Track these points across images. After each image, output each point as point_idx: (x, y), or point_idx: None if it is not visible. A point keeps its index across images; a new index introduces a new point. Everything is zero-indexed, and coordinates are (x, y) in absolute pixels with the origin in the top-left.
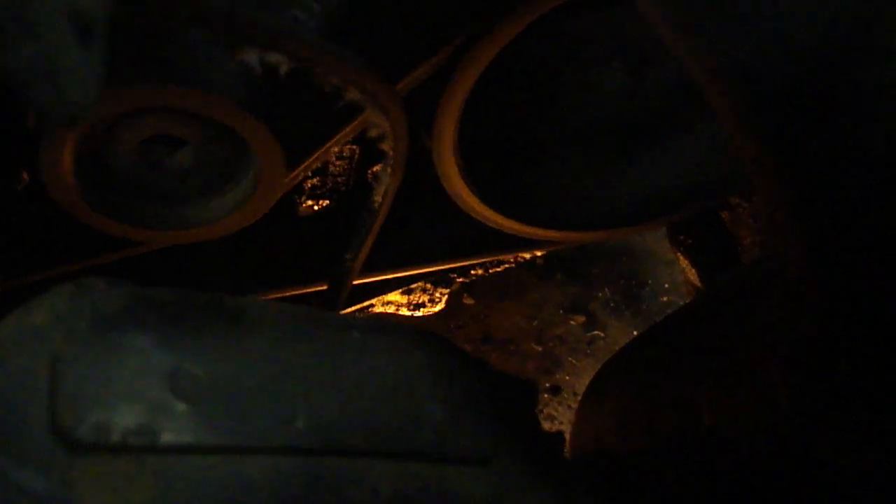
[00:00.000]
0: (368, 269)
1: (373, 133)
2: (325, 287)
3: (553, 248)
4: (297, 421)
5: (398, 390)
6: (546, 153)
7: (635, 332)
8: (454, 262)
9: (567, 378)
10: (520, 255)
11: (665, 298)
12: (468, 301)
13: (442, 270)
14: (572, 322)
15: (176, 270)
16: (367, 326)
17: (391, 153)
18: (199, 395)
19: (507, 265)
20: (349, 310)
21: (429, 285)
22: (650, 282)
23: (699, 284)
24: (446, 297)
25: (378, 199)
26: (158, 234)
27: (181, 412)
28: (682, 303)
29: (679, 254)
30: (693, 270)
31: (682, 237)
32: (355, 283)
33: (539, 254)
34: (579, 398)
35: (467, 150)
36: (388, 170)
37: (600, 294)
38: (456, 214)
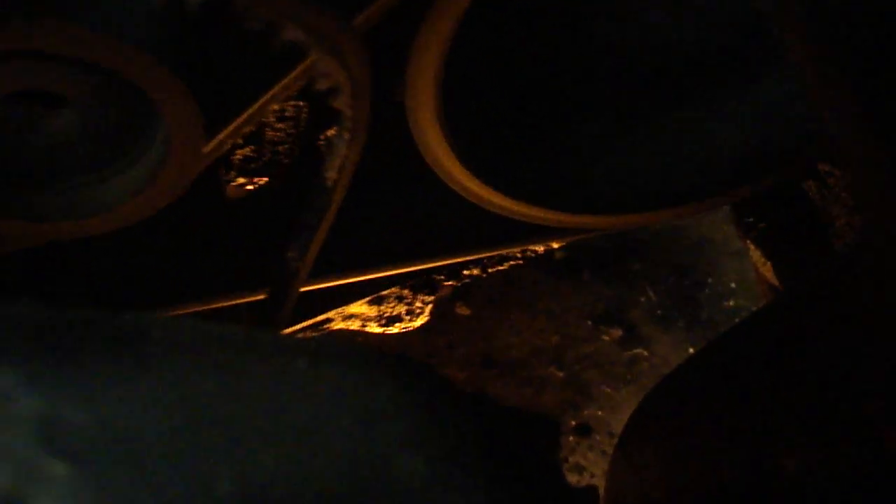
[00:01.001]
0: (322, 271)
1: (322, 85)
2: (262, 297)
3: (575, 239)
4: (218, 483)
5: (361, 438)
6: (559, 112)
7: (691, 350)
8: (441, 260)
9: (599, 414)
10: (530, 247)
11: (730, 303)
12: (462, 311)
13: (424, 271)
14: (605, 337)
15: (56, 278)
16: (319, 351)
17: (348, 112)
18: (84, 450)
19: (513, 262)
20: (296, 328)
21: (406, 292)
22: (710, 281)
23: (777, 283)
24: (431, 306)
25: (333, 174)
26: (29, 227)
27: (59, 475)
28: (753, 308)
29: (749, 242)
30: (768, 264)
31: (751, 220)
32: (304, 289)
33: (556, 246)
34: (616, 441)
35: (454, 108)
36: (346, 135)
37: (643, 298)
38: (440, 194)
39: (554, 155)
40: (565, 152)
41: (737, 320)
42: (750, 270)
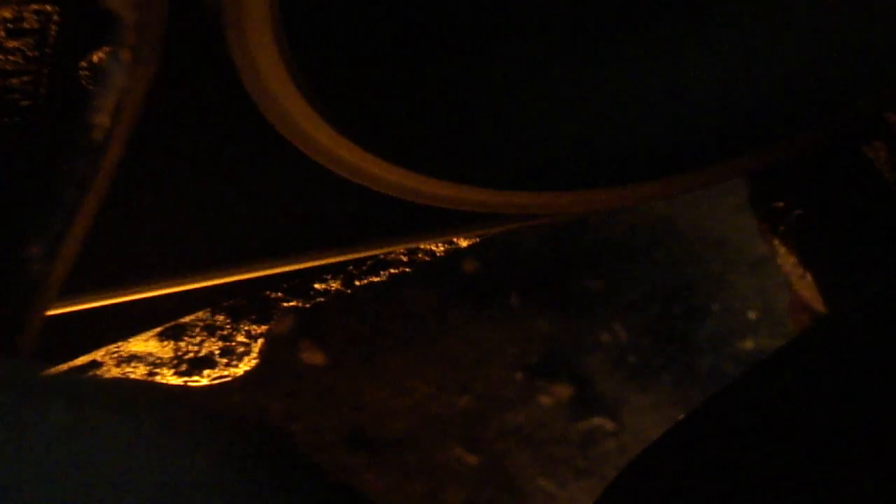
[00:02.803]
0: (85, 284)
1: None
2: None
3: (493, 233)
4: None
5: None
6: (467, 37)
7: (681, 416)
8: (279, 265)
9: None
10: (423, 245)
11: (748, 343)
12: (311, 356)
13: (252, 284)
14: (545, 399)
15: None
16: (87, 394)
17: (129, 17)
18: None
19: (394, 271)
20: (52, 370)
21: (222, 318)
22: (715, 308)
23: (822, 308)
24: (262, 343)
25: (103, 120)
26: None
27: None
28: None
29: (777, 242)
30: (807, 277)
31: (780, 205)
32: (53, 312)
33: (465, 244)
34: None
35: (303, 25)
36: (125, 56)
37: (606, 337)
38: (280, 159)
39: (458, 100)
40: (475, 95)
41: (756, 367)
42: (779, 289)
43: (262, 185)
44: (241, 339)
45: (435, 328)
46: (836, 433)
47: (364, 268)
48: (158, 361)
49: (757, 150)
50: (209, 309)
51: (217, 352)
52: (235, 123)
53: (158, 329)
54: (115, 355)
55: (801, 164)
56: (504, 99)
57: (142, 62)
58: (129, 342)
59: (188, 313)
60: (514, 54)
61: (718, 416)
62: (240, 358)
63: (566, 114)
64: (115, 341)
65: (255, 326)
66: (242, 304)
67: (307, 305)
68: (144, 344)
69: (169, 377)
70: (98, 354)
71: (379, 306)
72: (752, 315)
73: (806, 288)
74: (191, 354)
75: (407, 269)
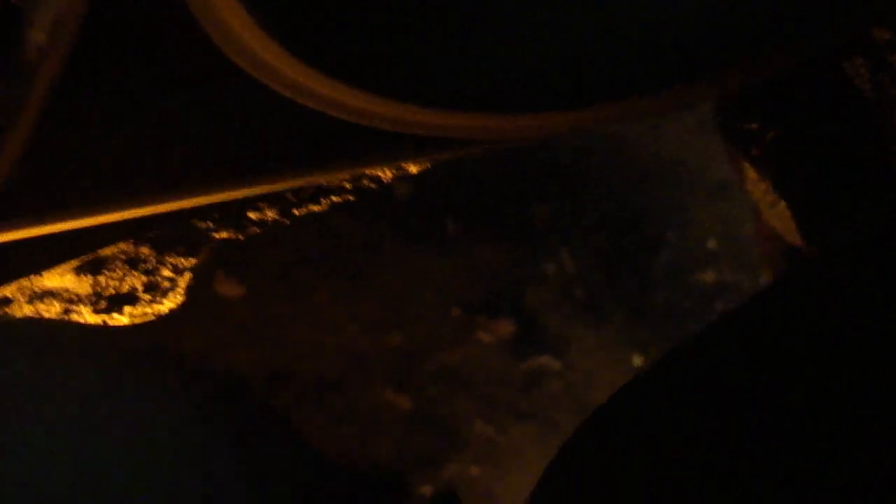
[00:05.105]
0: (4, 213)
1: None
2: None
3: (437, 159)
4: None
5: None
6: None
7: (636, 361)
8: (212, 193)
9: (474, 473)
10: (362, 170)
11: (707, 275)
12: (232, 289)
13: (179, 213)
14: (485, 336)
15: None
16: (41, 343)
17: None
18: None
19: (328, 201)
20: None
21: (146, 251)
22: (672, 237)
23: (796, 240)
24: (189, 277)
25: (39, 37)
26: None
27: None
28: (751, 286)
29: (746, 167)
30: (780, 206)
31: (751, 127)
32: None
33: (415, 171)
34: None
35: None
36: None
37: (552, 268)
38: (217, 76)
39: (410, 12)
40: (428, 9)
41: (719, 307)
42: (745, 218)
43: (196, 106)
44: (166, 273)
45: (367, 260)
46: (827, 386)
47: (304, 195)
48: (75, 298)
49: (723, 70)
50: (132, 241)
51: (140, 287)
52: (171, 36)
53: (76, 262)
54: (28, 291)
55: (774, 81)
56: (455, 14)
57: None
58: (43, 276)
59: (108, 245)
60: None
61: (693, 364)
62: (165, 294)
63: (523, 31)
64: (27, 275)
65: (182, 260)
66: (169, 236)
67: (240, 237)
68: (60, 279)
69: (87, 315)
70: (8, 290)
71: (310, 236)
72: (712, 244)
73: (776, 217)
74: (111, 290)
75: (341, 199)
